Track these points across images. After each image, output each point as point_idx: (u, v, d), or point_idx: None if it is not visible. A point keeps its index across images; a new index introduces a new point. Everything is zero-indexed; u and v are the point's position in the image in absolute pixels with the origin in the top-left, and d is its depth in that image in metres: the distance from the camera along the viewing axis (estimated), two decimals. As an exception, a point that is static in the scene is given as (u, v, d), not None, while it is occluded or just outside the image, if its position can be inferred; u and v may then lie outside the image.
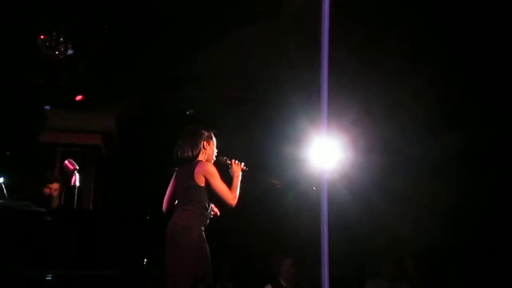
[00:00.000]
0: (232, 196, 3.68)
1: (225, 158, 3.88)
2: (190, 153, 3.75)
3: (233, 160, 3.86)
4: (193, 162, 3.73)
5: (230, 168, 3.85)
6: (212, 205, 3.80)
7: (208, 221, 3.73)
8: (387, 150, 6.74)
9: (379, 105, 6.60)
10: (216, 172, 3.70)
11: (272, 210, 7.65)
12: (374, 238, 6.75)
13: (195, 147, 3.76)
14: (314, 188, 7.00)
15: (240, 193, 3.80)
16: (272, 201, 7.73)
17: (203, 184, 3.66)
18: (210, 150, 3.82)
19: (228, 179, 3.80)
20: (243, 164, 3.87)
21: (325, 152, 5.99)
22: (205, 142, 3.80)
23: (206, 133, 3.83)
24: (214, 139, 3.88)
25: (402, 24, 6.00)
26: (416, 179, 6.68)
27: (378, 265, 6.31)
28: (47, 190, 5.16)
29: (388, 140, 6.72)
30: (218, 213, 3.86)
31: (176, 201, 3.80)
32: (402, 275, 6.13)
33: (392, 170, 6.70)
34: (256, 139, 7.32)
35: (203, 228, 3.66)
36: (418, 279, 6.11)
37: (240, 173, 3.82)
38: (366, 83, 6.41)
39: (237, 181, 3.77)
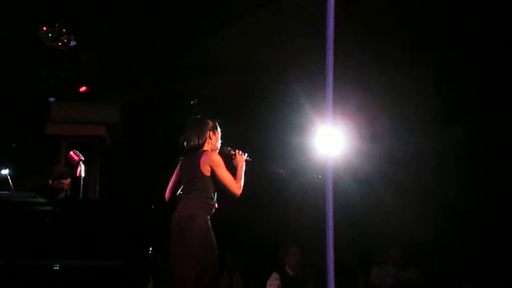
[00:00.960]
0: (237, 186, 3.70)
1: (229, 148, 3.90)
2: (197, 142, 3.76)
3: (237, 151, 3.87)
4: (198, 151, 3.74)
5: (234, 159, 3.87)
6: None
7: (213, 210, 3.74)
8: (392, 138, 6.73)
9: (383, 93, 6.58)
10: (221, 162, 3.71)
11: (277, 199, 7.66)
12: (379, 226, 6.76)
13: (202, 136, 3.78)
14: (319, 176, 7.00)
15: (244, 182, 3.81)
16: (277, 189, 7.74)
17: (208, 174, 3.68)
18: (215, 140, 3.83)
19: (232, 170, 3.81)
20: (246, 154, 3.88)
21: (330, 140, 5.96)
22: (210, 132, 3.82)
23: (211, 123, 3.84)
24: (219, 129, 3.88)
25: (407, 13, 5.96)
26: (421, 168, 6.67)
27: (383, 253, 6.32)
28: (59, 185, 5.18)
29: (392, 128, 6.70)
30: (216, 206, 3.87)
31: (180, 191, 3.81)
32: (407, 261, 6.15)
33: (397, 158, 6.69)
34: (261, 128, 7.32)
35: (208, 218, 3.68)
36: (427, 266, 6.13)
37: (244, 164, 3.82)
38: (371, 71, 6.38)
39: (241, 171, 3.80)
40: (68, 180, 5.20)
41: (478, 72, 6.19)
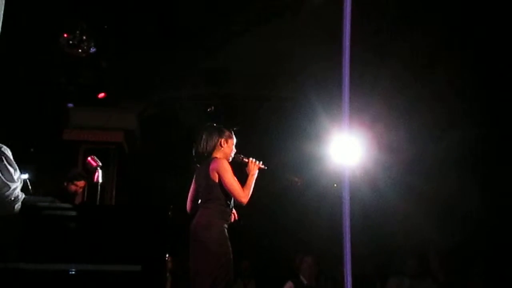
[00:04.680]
0: (243, 193, 3.63)
1: (241, 156, 3.83)
2: (205, 149, 3.74)
3: (250, 159, 3.80)
4: (209, 159, 3.73)
5: (247, 167, 3.82)
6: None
7: (230, 217, 3.72)
8: (409, 147, 6.67)
9: (401, 102, 6.53)
10: (228, 168, 3.66)
11: (293, 208, 7.63)
12: (396, 236, 6.69)
13: (210, 143, 3.75)
14: (335, 185, 6.97)
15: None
16: (292, 198, 7.71)
17: (218, 181, 3.66)
18: (227, 148, 3.78)
19: (245, 178, 3.76)
20: (261, 162, 3.80)
21: (346, 149, 5.95)
22: (222, 140, 3.77)
23: (224, 131, 3.81)
24: (234, 138, 3.85)
25: (424, 20, 5.93)
26: (439, 177, 6.60)
27: (400, 263, 6.26)
28: (73, 188, 5.23)
29: (410, 137, 6.65)
30: (237, 217, 3.85)
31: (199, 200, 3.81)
32: (424, 272, 6.08)
33: (414, 167, 6.63)
34: (276, 136, 7.31)
35: (226, 226, 3.66)
36: (442, 277, 6.05)
37: (256, 172, 3.75)
38: (388, 79, 6.34)
39: (251, 179, 3.72)
40: (82, 183, 5.24)
41: (497, 77, 6.12)
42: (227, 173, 3.63)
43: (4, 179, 3.28)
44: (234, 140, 3.84)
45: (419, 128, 6.56)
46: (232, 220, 3.81)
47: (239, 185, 3.65)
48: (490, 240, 6.32)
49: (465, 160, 6.56)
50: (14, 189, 3.26)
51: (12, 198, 3.41)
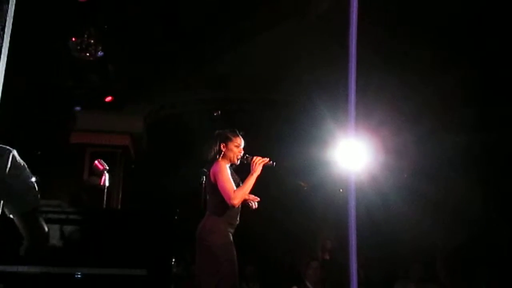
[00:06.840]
0: (233, 195, 3.57)
1: (246, 156, 3.79)
2: (209, 155, 3.77)
3: (255, 158, 3.75)
4: (212, 163, 3.76)
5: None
6: (251, 197, 3.74)
7: (236, 221, 3.72)
8: (416, 152, 6.65)
9: (408, 106, 6.52)
10: (222, 169, 3.65)
11: (299, 212, 7.62)
12: (402, 241, 6.66)
13: (212, 149, 3.77)
14: (341, 190, 6.96)
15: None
16: (298, 203, 7.70)
17: (216, 184, 3.66)
18: (229, 151, 3.77)
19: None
20: (268, 159, 3.73)
21: (352, 154, 5.94)
22: (222, 144, 3.78)
23: (224, 135, 3.81)
24: (237, 140, 3.80)
25: (431, 24, 5.92)
26: (446, 182, 6.57)
27: (406, 268, 6.23)
28: (86, 197, 5.27)
29: (416, 142, 6.63)
30: (256, 206, 3.80)
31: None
32: (429, 277, 6.05)
33: (420, 172, 6.61)
34: (282, 141, 7.31)
35: (231, 230, 3.66)
36: (448, 282, 6.02)
37: (258, 171, 3.69)
38: (394, 84, 6.34)
39: (250, 178, 3.66)
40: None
41: (504, 83, 6.10)
42: (220, 174, 3.63)
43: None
44: (240, 142, 3.81)
45: (425, 133, 6.54)
46: (254, 206, 3.76)
47: (232, 186, 3.61)
48: (496, 246, 6.29)
49: (472, 165, 6.53)
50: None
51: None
